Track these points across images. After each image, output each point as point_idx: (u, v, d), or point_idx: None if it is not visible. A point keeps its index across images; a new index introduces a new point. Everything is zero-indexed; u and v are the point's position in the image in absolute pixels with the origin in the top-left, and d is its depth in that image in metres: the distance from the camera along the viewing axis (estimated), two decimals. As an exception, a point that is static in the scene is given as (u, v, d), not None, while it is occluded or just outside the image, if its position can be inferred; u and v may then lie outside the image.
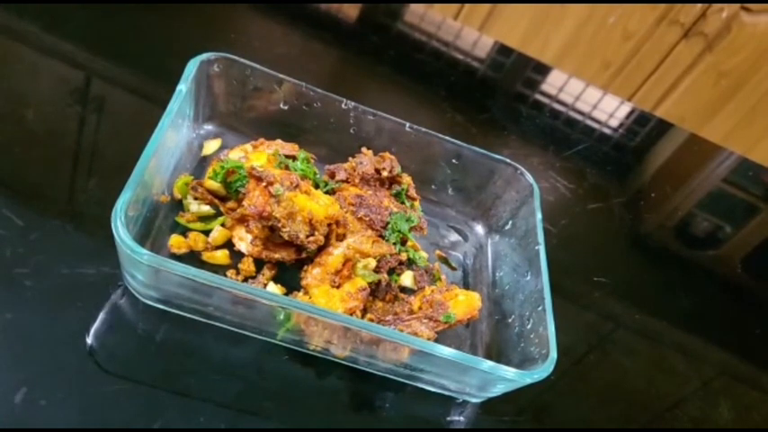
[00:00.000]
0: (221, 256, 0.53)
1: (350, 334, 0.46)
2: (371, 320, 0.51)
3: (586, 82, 1.02)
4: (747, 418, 0.64)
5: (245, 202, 0.50)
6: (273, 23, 0.85)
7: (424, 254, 0.58)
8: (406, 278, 0.55)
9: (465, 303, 0.52)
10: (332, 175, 0.58)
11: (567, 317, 0.62)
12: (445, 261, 0.62)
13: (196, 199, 0.54)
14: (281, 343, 0.49)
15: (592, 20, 1.47)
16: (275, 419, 0.47)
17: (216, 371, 0.48)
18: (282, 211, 0.49)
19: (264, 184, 0.50)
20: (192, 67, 0.55)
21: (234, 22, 0.80)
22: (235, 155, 0.56)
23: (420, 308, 0.52)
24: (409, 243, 0.57)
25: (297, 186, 0.52)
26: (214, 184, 0.54)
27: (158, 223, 0.52)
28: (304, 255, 0.53)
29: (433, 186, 0.64)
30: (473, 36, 1.06)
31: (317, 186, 0.57)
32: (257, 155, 0.54)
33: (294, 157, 0.57)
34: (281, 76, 0.59)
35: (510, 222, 0.63)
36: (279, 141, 0.58)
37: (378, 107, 0.61)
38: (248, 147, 0.57)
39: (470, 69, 0.95)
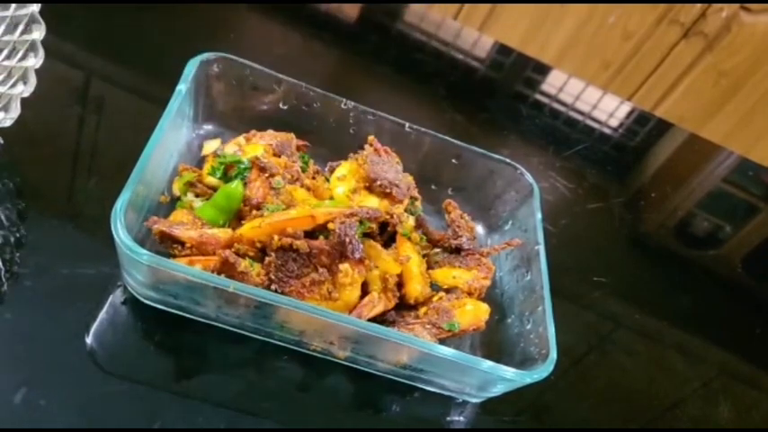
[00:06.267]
0: (221, 256, 0.53)
1: (350, 333, 0.46)
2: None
3: (586, 82, 1.02)
4: (747, 418, 0.64)
5: (246, 192, 0.50)
6: (273, 23, 0.85)
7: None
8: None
9: (472, 313, 0.52)
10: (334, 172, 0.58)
11: (567, 317, 0.62)
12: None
13: (197, 196, 0.54)
14: (280, 343, 0.49)
15: (592, 20, 1.47)
16: (275, 419, 0.47)
17: (216, 371, 0.48)
18: (280, 203, 0.50)
19: (267, 175, 0.50)
20: (191, 67, 0.55)
21: (234, 22, 0.80)
22: (230, 149, 0.56)
23: (426, 313, 0.52)
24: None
25: (297, 180, 0.52)
26: (213, 180, 0.54)
27: (158, 223, 0.52)
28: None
29: (432, 186, 0.64)
30: (473, 36, 1.06)
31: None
32: (252, 147, 0.55)
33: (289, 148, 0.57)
34: (281, 76, 0.59)
35: (510, 222, 0.63)
36: (270, 132, 0.58)
37: (378, 107, 0.61)
38: (241, 140, 0.57)
39: (470, 69, 0.95)
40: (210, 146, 0.60)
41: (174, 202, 0.54)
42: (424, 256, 0.56)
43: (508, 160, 0.63)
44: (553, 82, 1.01)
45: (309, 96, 0.60)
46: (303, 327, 0.47)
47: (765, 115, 1.55)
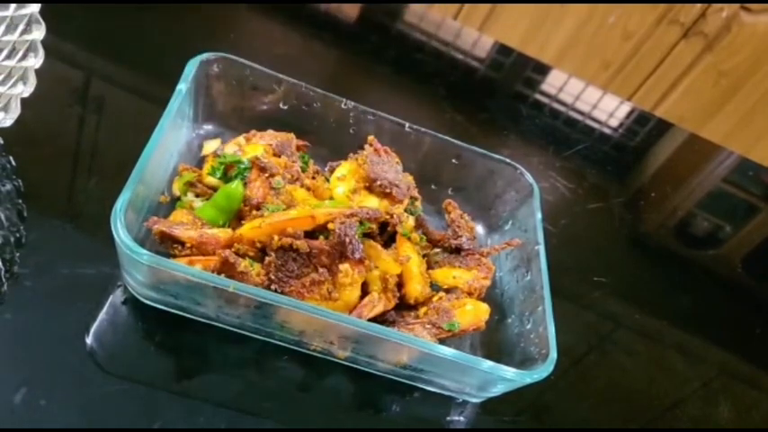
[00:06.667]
0: (221, 256, 0.53)
1: (350, 332, 0.46)
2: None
3: (586, 82, 1.02)
4: (747, 418, 0.64)
5: (246, 192, 0.50)
6: (273, 23, 0.85)
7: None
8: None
9: (472, 313, 0.52)
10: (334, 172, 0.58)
11: (567, 317, 0.62)
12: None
13: (197, 196, 0.54)
14: (281, 343, 0.49)
15: (592, 20, 1.47)
16: (275, 419, 0.47)
17: (216, 371, 0.48)
18: (280, 203, 0.50)
19: (267, 175, 0.50)
20: (191, 67, 0.55)
21: (234, 22, 0.80)
22: (230, 149, 0.56)
23: (426, 313, 0.52)
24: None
25: (297, 180, 0.52)
26: (213, 180, 0.54)
27: (158, 223, 0.52)
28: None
29: (432, 186, 0.64)
30: (473, 36, 1.06)
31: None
32: (252, 147, 0.55)
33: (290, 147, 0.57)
34: (281, 76, 0.59)
35: (510, 222, 0.63)
36: (270, 132, 0.58)
37: (378, 107, 0.61)
38: (241, 140, 0.57)
39: (470, 69, 0.95)
40: (210, 146, 0.60)
41: (174, 202, 0.54)
42: (424, 256, 0.56)
43: (508, 160, 0.63)
44: (553, 82, 1.01)
45: (309, 96, 0.60)
46: (303, 327, 0.47)
47: (765, 115, 1.55)
